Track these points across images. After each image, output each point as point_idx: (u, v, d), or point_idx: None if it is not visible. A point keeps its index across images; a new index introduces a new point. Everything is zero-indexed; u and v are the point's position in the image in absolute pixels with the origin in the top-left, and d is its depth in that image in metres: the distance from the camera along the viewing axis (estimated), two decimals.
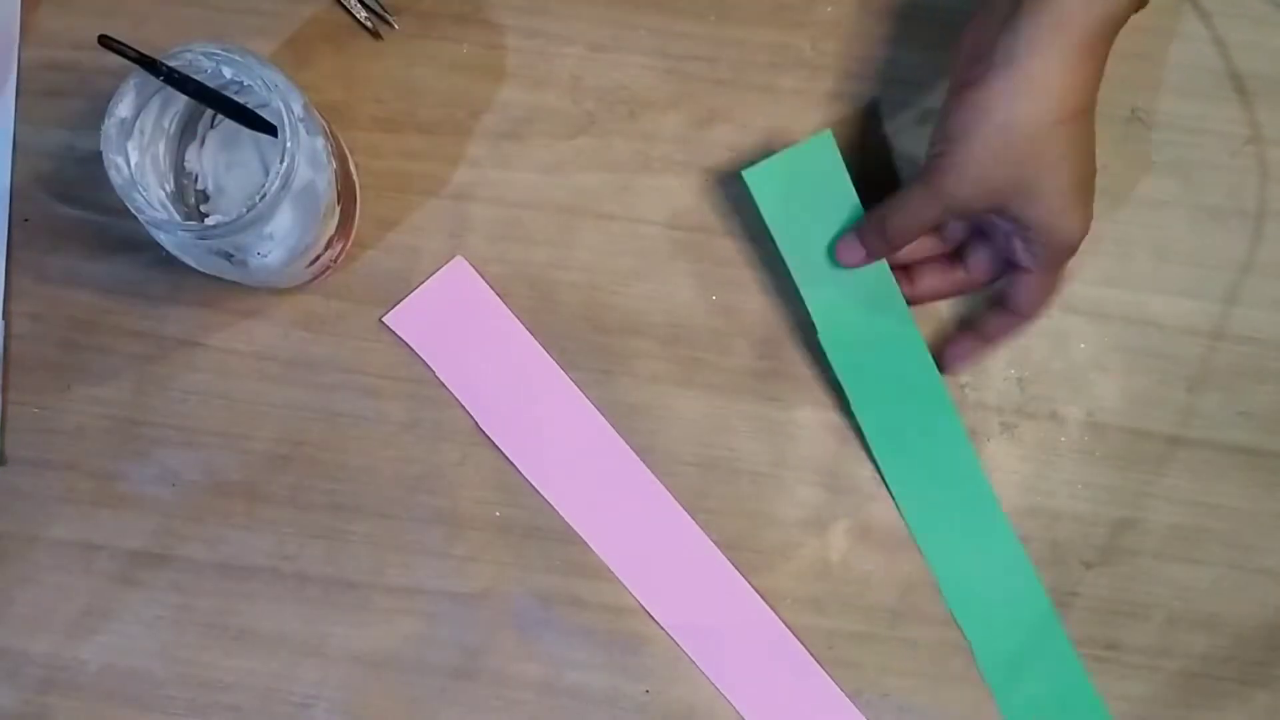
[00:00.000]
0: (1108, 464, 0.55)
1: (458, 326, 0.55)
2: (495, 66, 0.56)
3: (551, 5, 0.56)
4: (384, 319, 0.55)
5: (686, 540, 0.54)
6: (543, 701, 0.54)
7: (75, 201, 0.55)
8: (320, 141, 0.48)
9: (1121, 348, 0.55)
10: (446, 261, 0.55)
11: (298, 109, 0.47)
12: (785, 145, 0.55)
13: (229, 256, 0.48)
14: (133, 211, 0.46)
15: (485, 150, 0.56)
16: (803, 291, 0.53)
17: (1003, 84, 0.45)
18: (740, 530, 0.55)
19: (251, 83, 0.46)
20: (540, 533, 0.55)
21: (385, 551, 0.55)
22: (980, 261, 0.52)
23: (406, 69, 0.56)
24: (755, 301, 0.55)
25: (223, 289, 0.54)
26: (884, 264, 0.52)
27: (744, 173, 0.52)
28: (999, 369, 0.55)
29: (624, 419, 0.55)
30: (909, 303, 0.53)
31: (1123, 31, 0.46)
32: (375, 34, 0.56)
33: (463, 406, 0.54)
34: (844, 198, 0.52)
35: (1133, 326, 0.55)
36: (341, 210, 0.51)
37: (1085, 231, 0.48)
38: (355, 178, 0.54)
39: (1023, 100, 0.45)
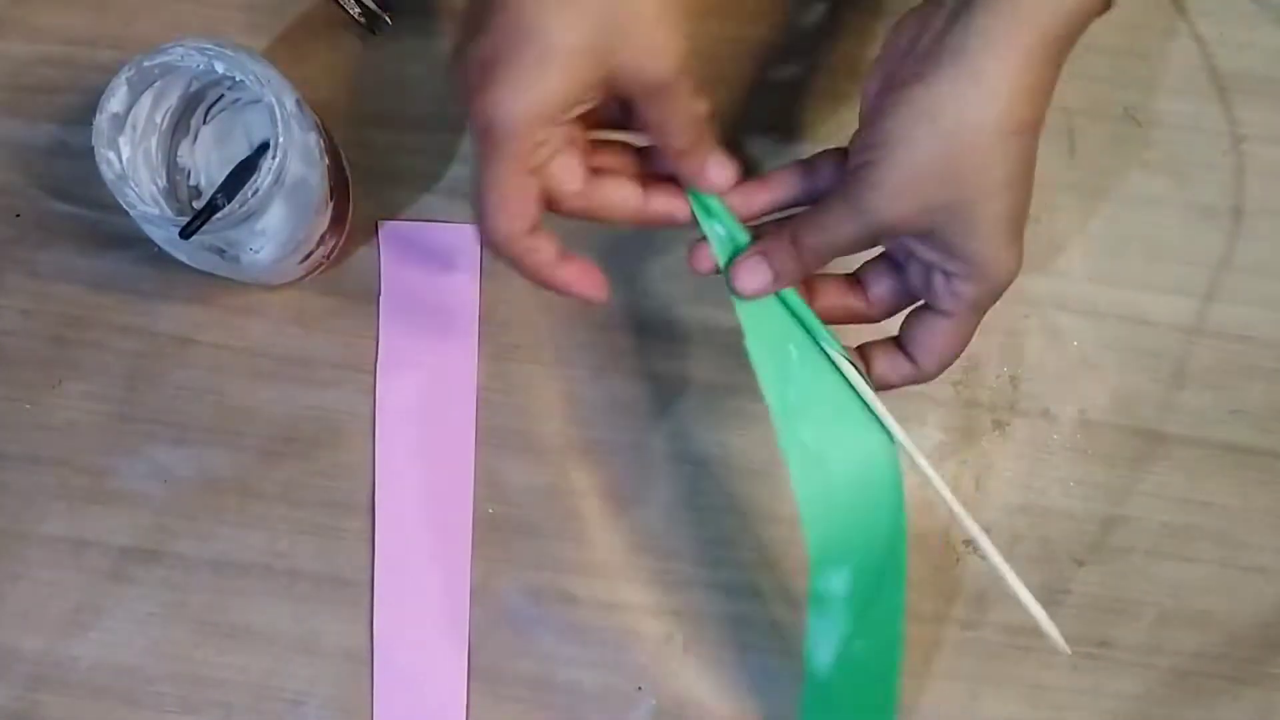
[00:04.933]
0: (1099, 461, 0.55)
1: (427, 279, 0.55)
2: None
3: None
4: (381, 222, 0.55)
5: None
6: (535, 698, 0.54)
7: (67, 197, 0.55)
8: (313, 137, 0.48)
9: (1113, 345, 0.56)
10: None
11: (290, 105, 0.47)
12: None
13: (221, 252, 0.48)
14: (124, 207, 0.46)
15: None
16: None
17: (950, 83, 0.39)
18: (734, 527, 0.55)
19: (244, 78, 0.46)
20: (533, 529, 0.55)
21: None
22: (883, 294, 0.45)
23: (400, 65, 0.56)
24: None
25: (215, 285, 0.54)
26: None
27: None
28: (991, 367, 0.55)
29: (617, 416, 0.55)
30: None
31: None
32: (369, 30, 0.56)
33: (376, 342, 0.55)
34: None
35: (1125, 324, 0.55)
36: (334, 206, 0.51)
37: (1017, 272, 0.42)
38: (348, 174, 0.54)
39: (973, 103, 0.39)
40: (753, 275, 0.43)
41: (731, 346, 0.55)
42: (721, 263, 0.44)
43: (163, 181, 0.50)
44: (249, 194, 0.45)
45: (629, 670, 0.54)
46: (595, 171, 0.44)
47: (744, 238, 0.44)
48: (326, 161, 0.49)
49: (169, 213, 0.48)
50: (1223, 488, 0.55)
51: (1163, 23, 0.56)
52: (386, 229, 0.55)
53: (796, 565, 0.55)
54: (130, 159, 0.48)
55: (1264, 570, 0.55)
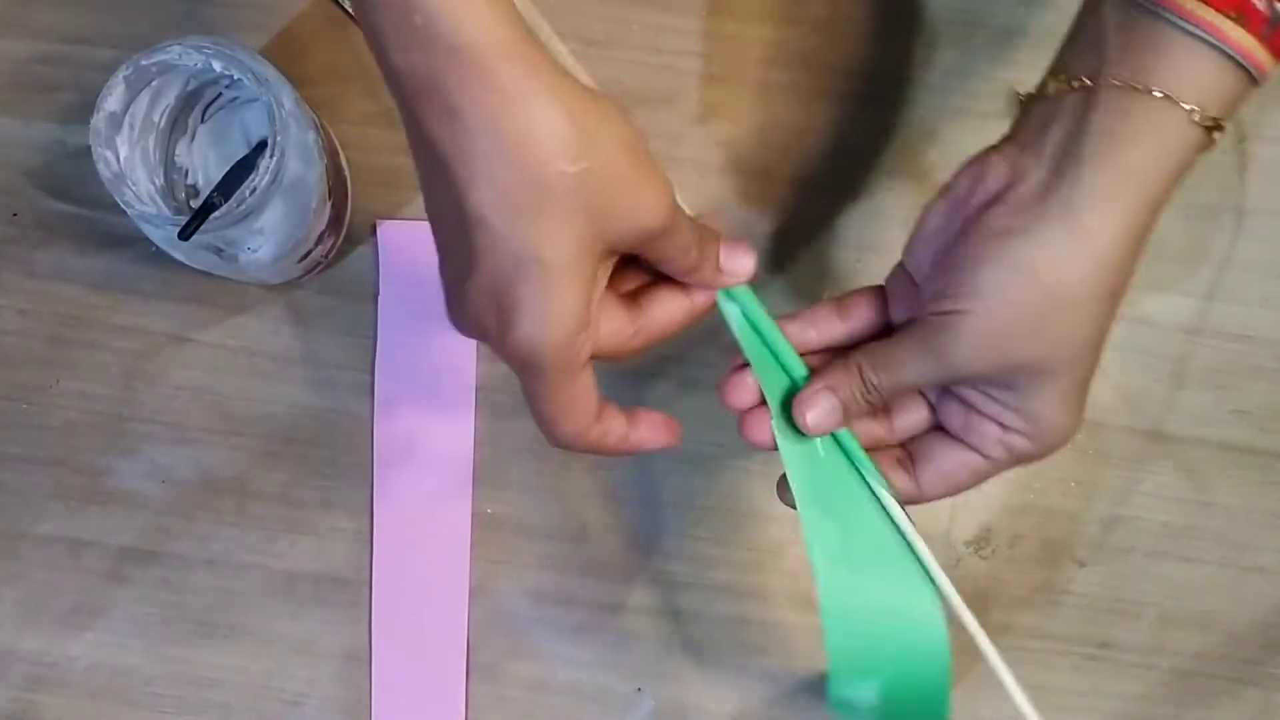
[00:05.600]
0: (1100, 461, 0.55)
1: (425, 278, 0.55)
2: None
3: (544, 0, 0.56)
4: (379, 222, 0.54)
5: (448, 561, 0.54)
6: (534, 699, 0.54)
7: (64, 196, 0.55)
8: (311, 136, 0.48)
9: (1113, 345, 0.54)
10: None
11: (288, 103, 0.46)
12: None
13: (219, 251, 0.48)
14: (122, 206, 0.46)
15: None
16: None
17: (1056, 241, 0.37)
18: (732, 527, 0.55)
19: (241, 76, 0.46)
20: (531, 530, 0.54)
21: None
22: (912, 425, 0.43)
23: None
24: None
25: (213, 284, 0.54)
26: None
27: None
28: None
29: None
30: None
31: None
32: None
33: (374, 341, 0.55)
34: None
35: (1124, 324, 0.55)
36: (333, 205, 0.51)
37: (1074, 435, 0.41)
38: (346, 173, 0.54)
39: (1078, 262, 0.37)
40: (819, 410, 0.41)
41: (731, 347, 0.55)
42: (769, 395, 0.42)
43: (160, 180, 0.50)
44: (247, 193, 0.45)
45: (628, 671, 0.54)
46: (634, 296, 0.41)
47: (802, 371, 0.42)
48: (325, 160, 0.49)
49: (166, 212, 0.48)
50: (1223, 488, 0.55)
51: None
52: (385, 228, 0.55)
53: (795, 565, 0.55)
54: (128, 158, 0.48)
55: (1265, 570, 0.55)
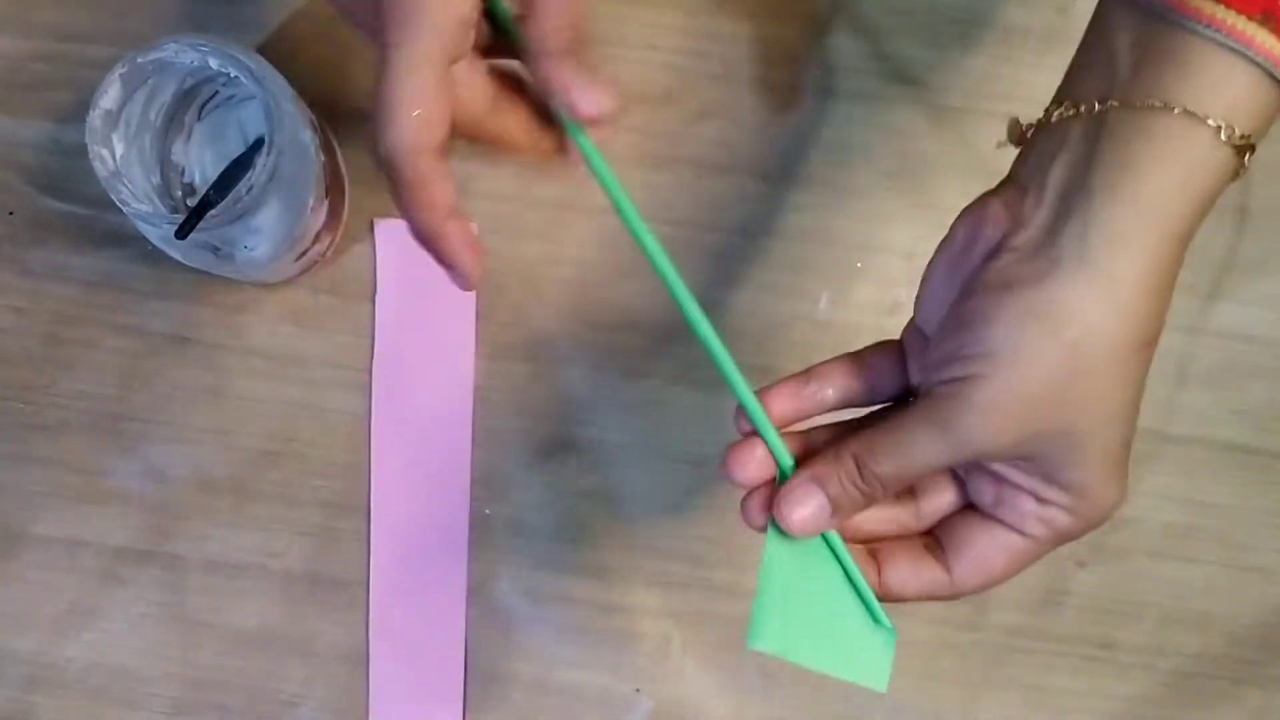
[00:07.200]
0: None
1: (423, 277, 0.54)
2: None
3: None
4: (377, 220, 0.54)
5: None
6: (532, 700, 0.54)
7: (60, 194, 0.55)
8: (308, 134, 0.48)
9: None
10: None
11: (285, 101, 0.46)
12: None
13: (215, 250, 0.48)
14: (118, 204, 0.45)
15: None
16: None
17: (1075, 287, 0.33)
18: (733, 528, 0.54)
19: (238, 74, 0.46)
20: (529, 529, 0.54)
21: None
22: (940, 508, 0.38)
23: None
24: (748, 298, 0.55)
25: (209, 283, 0.53)
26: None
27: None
28: None
29: (615, 415, 0.55)
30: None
31: None
32: None
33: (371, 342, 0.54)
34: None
35: None
36: (330, 204, 0.51)
37: (1122, 504, 0.36)
38: (344, 171, 0.54)
39: (1105, 312, 0.33)
40: (803, 506, 0.36)
41: (731, 347, 0.55)
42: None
43: (156, 179, 0.50)
44: (243, 191, 0.45)
45: (627, 672, 0.54)
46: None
47: (787, 460, 0.37)
48: (321, 158, 0.49)
49: (163, 210, 0.48)
50: (1224, 488, 0.55)
51: None
52: (383, 227, 0.55)
53: None
54: (124, 156, 0.47)
55: (1265, 571, 0.55)
